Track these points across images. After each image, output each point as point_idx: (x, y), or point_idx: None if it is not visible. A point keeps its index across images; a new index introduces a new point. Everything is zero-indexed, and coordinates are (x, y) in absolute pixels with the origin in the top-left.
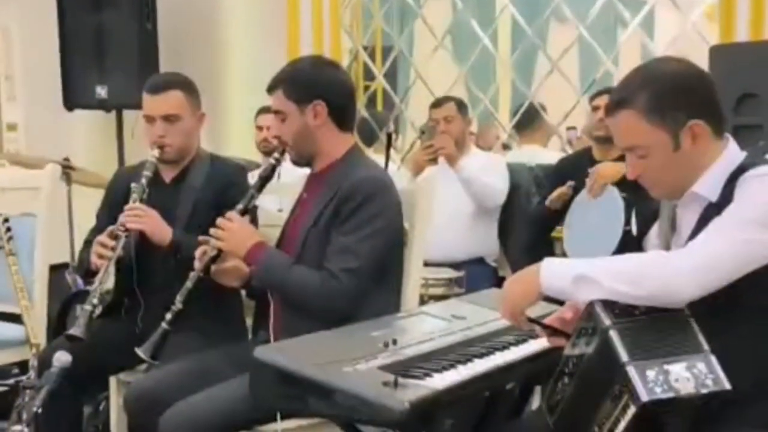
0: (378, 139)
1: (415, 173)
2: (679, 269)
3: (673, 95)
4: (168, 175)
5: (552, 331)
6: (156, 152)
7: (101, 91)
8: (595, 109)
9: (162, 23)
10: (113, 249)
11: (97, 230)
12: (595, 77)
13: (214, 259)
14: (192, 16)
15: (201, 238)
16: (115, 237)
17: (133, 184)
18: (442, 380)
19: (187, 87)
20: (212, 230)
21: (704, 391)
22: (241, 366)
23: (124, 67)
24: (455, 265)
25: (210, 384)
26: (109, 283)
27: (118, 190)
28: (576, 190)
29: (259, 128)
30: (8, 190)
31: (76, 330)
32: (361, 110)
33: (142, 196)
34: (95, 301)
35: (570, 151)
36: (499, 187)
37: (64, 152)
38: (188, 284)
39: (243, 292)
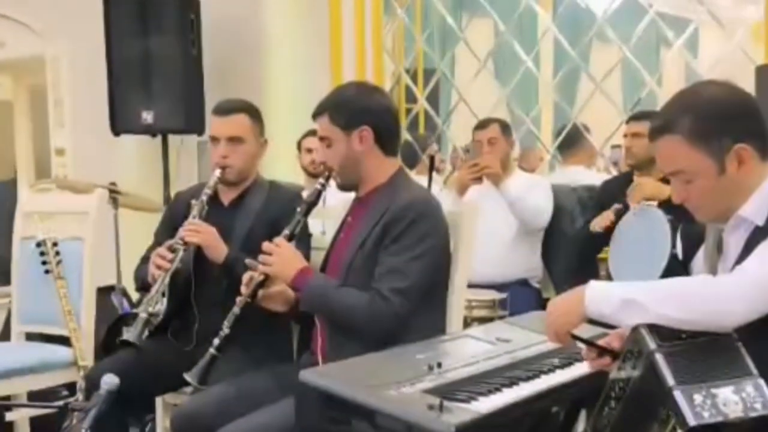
0: (420, 161)
1: (460, 192)
2: (727, 294)
3: (716, 120)
4: (227, 197)
5: (600, 351)
6: (218, 172)
7: (147, 116)
8: (625, 136)
9: (207, 49)
10: (171, 261)
11: (154, 248)
12: (639, 97)
13: (261, 285)
14: (236, 42)
15: (248, 261)
16: (173, 250)
17: (193, 201)
18: (487, 404)
19: (253, 113)
20: (260, 256)
21: (753, 414)
22: (287, 389)
23: (170, 92)
24: (499, 287)
25: (256, 407)
26: (159, 306)
27: (178, 210)
28: (620, 213)
29: (308, 150)
30: (57, 215)
31: (130, 335)
32: (403, 133)
33: (201, 213)
34: (151, 309)
35: (614, 172)
36: (544, 206)
37: (111, 176)
38: (235, 309)
39: None
